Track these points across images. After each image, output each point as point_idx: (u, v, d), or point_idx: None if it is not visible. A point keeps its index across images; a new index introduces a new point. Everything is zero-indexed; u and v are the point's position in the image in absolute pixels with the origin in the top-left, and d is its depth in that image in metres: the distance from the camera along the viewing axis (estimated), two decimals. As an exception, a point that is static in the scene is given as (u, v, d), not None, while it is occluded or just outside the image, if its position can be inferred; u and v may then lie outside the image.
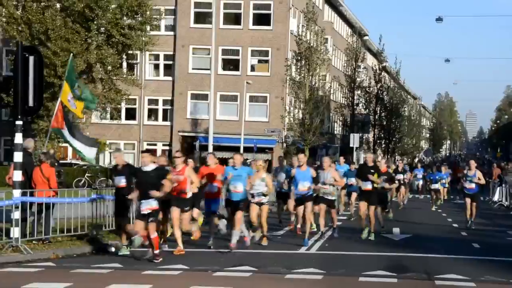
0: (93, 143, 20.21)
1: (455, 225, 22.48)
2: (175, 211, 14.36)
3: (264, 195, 15.84)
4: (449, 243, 17.24)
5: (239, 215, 14.82)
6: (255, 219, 15.89)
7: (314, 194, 16.73)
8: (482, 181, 21.77)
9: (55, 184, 15.00)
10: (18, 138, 14.03)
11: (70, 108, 19.02)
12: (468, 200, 21.43)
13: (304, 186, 16.14)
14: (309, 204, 16.40)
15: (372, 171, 17.58)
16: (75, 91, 19.03)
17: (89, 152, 19.49)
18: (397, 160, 30.65)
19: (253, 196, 15.70)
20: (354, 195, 22.98)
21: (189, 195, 14.69)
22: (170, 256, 13.92)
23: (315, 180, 16.54)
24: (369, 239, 17.36)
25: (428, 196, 34.01)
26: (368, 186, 17.59)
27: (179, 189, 14.52)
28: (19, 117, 14.08)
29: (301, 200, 16.40)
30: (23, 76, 14.07)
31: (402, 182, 28.82)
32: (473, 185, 21.23)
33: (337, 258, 14.24)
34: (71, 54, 22.31)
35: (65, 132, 18.57)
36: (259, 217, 15.98)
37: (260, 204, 15.84)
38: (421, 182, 40.59)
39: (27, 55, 14.31)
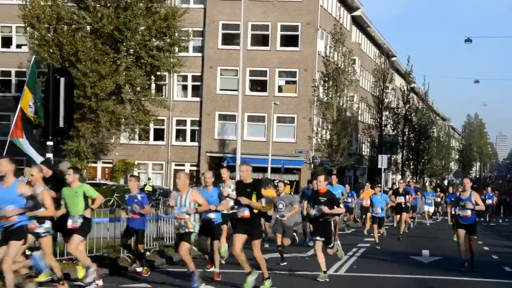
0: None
1: (485, 248, 22.18)
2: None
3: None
4: (480, 266, 17.00)
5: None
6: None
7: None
8: (480, 207, 16.30)
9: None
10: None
11: (28, 114, 17.66)
12: (462, 232, 16.18)
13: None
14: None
15: (249, 190, 12.16)
16: (37, 94, 17.56)
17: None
18: (399, 181, 28.10)
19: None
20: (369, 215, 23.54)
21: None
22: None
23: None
24: None
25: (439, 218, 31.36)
26: (245, 212, 12.26)
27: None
28: (50, 137, 14.22)
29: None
30: (54, 97, 14.27)
31: (403, 205, 25.71)
32: (469, 212, 15.86)
33: (365, 280, 14.14)
34: (34, 56, 21.17)
35: (24, 141, 17.44)
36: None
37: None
38: (431, 208, 35.60)
39: (58, 77, 14.53)
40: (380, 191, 22.52)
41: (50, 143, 14.22)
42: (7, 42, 52.01)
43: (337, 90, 46.87)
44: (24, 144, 17.14)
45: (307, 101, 47.78)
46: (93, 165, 49.53)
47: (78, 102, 38.67)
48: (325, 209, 13.52)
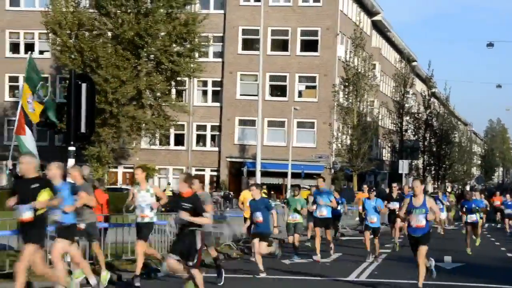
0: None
1: (509, 254, 21.95)
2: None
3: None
4: (503, 273, 16.82)
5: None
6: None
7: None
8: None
9: (106, 210, 15.15)
10: (71, 163, 14.21)
11: (27, 111, 17.40)
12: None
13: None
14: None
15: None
16: (39, 92, 17.36)
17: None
18: (393, 185, 24.62)
19: None
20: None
21: None
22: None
23: None
24: None
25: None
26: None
27: None
28: (72, 143, 14.27)
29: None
30: (76, 103, 14.31)
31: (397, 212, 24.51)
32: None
33: (386, 286, 14.03)
34: (29, 52, 20.84)
35: (25, 138, 17.24)
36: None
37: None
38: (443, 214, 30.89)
39: (79, 83, 14.56)
40: (376, 196, 19.32)
41: (72, 148, 14.26)
42: (29, 48, 52.45)
43: (357, 95, 46.79)
44: (25, 140, 16.99)
45: (327, 106, 47.67)
46: (114, 170, 49.75)
47: (99, 107, 38.86)
48: (186, 215, 10.72)
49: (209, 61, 48.79)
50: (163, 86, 43.57)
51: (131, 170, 51.37)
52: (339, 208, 26.19)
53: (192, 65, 44.58)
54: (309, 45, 49.56)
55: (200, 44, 45.01)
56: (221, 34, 50.67)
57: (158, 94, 44.10)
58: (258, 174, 31.02)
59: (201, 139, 52.39)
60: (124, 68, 41.42)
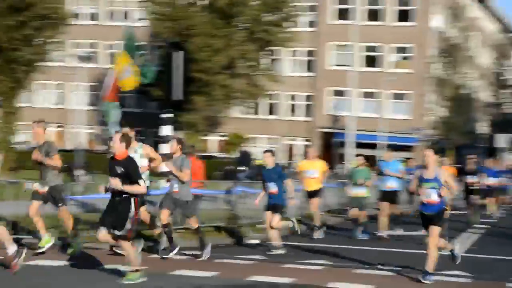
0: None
1: None
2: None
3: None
4: None
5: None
6: None
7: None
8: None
9: (201, 177, 15.32)
10: (166, 130, 14.41)
11: (121, 79, 16.76)
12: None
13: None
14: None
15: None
16: (136, 60, 16.73)
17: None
18: (468, 157, 21.46)
19: None
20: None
21: None
22: (313, 250, 13.93)
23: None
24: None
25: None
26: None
27: None
28: (167, 110, 14.45)
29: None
30: (171, 71, 14.48)
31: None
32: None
33: (485, 262, 13.63)
34: (129, 21, 20.21)
35: (116, 104, 16.73)
36: None
37: None
38: None
39: (174, 51, 14.71)
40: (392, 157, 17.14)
41: (167, 115, 14.45)
42: (125, 16, 53.50)
43: (454, 66, 45.50)
44: (113, 107, 16.60)
45: (422, 78, 46.62)
46: (204, 138, 50.40)
47: (193, 76, 39.27)
48: (117, 183, 9.41)
49: (302, 30, 48.44)
50: (255, 55, 43.63)
51: (223, 138, 51.99)
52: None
53: (285, 35, 44.38)
54: (404, 15, 48.42)
55: (293, 13, 44.68)
56: (315, 3, 50.16)
57: (250, 63, 44.21)
58: (350, 144, 30.70)
59: (292, 109, 52.30)
60: (217, 37, 41.68)
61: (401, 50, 49.02)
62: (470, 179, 20.30)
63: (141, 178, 9.55)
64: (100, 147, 50.13)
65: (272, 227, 13.45)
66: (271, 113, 51.95)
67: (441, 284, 10.86)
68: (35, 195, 11.54)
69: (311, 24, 50.70)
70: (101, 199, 12.59)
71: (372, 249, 14.44)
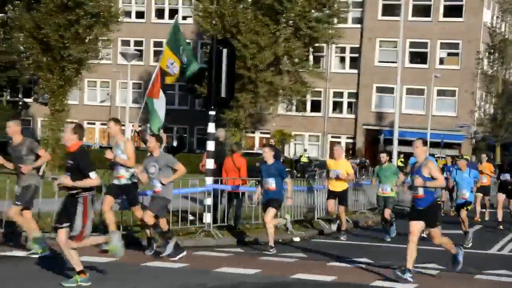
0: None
1: None
2: None
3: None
4: None
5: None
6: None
7: None
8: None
9: (245, 174, 15.41)
10: (211, 127, 14.49)
11: (166, 75, 16.11)
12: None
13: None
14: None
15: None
16: (182, 56, 16.01)
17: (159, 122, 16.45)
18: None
19: None
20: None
21: None
22: (354, 248, 13.91)
23: None
24: None
25: None
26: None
27: None
28: (212, 107, 14.54)
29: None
30: (217, 68, 14.53)
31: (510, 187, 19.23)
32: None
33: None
34: (176, 16, 19.89)
35: (157, 101, 16.07)
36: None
37: None
38: None
39: (220, 48, 14.74)
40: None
41: (212, 112, 14.55)
42: (173, 13, 54.03)
43: (503, 62, 44.82)
44: (156, 104, 16.04)
45: (470, 74, 45.95)
46: (251, 135, 50.59)
47: (238, 73, 39.48)
48: (66, 180, 8.74)
49: (348, 27, 48.22)
50: (301, 52, 43.63)
51: (267, 135, 52.09)
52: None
53: (330, 31, 44.27)
54: (453, 10, 47.75)
55: (339, 10, 44.52)
56: (361, 0, 49.86)
57: (296, 60, 44.22)
58: (396, 142, 30.45)
59: (337, 106, 52.10)
60: (263, 34, 41.79)
61: (449, 46, 48.38)
62: (502, 177, 19.16)
63: (92, 170, 8.69)
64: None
65: (268, 223, 12.84)
66: (315, 110, 51.84)
67: (486, 283, 10.76)
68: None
69: (357, 20, 50.40)
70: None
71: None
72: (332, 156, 17.27)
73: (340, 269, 11.33)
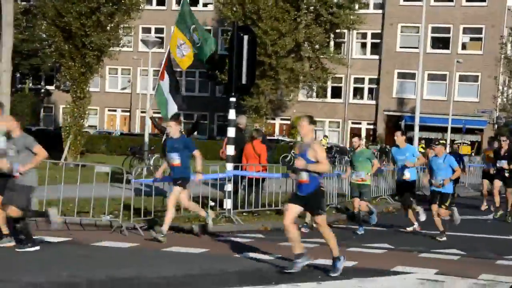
0: (179, 100, 16.54)
1: None
2: None
3: None
4: None
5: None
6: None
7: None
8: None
9: (265, 160, 15.47)
10: (232, 114, 14.53)
11: (176, 57, 15.66)
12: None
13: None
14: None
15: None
16: (193, 35, 15.20)
17: (171, 108, 16.22)
18: (502, 139, 18.08)
19: None
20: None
21: None
22: (374, 234, 13.92)
23: None
24: None
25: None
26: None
27: None
28: (233, 94, 14.56)
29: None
30: (238, 55, 14.54)
31: (507, 174, 17.71)
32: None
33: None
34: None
35: (163, 83, 15.94)
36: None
37: None
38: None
39: (241, 35, 14.72)
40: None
41: (233, 99, 14.58)
42: (194, 1, 54.02)
43: (526, 47, 44.29)
44: (163, 86, 15.91)
45: (493, 59, 45.54)
46: (271, 121, 50.60)
47: (259, 59, 39.41)
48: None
49: (369, 12, 47.93)
50: (321, 38, 43.45)
51: (287, 122, 52.08)
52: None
53: (351, 17, 44.02)
54: (475, -5, 47.30)
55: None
56: (382, -15, 49.54)
57: (317, 46, 44.06)
58: (417, 128, 30.28)
59: (358, 92, 51.91)
60: (284, 20, 41.64)
61: (472, 31, 47.95)
62: (499, 164, 17.77)
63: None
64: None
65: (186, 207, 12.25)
66: (336, 96, 51.69)
67: (507, 268, 10.72)
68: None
69: (378, 6, 50.09)
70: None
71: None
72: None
73: (361, 254, 11.36)
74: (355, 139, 14.35)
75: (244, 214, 14.61)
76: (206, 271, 9.53)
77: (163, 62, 16.24)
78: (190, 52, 15.28)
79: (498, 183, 18.07)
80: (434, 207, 13.50)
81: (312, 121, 9.88)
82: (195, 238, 12.33)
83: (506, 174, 17.65)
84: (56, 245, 10.98)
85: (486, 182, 19.63)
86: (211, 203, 14.73)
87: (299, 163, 9.39)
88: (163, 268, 9.62)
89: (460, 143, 35.53)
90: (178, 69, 54.50)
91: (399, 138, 14.37)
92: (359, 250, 11.88)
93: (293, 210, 9.52)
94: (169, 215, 11.75)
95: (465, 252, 11.95)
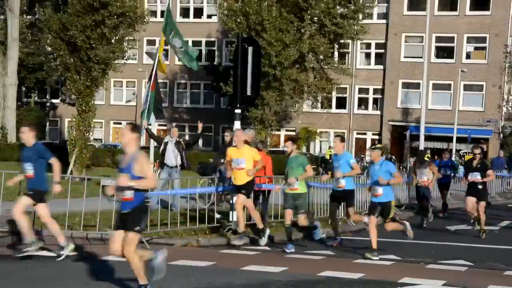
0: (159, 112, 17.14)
1: None
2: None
3: None
4: None
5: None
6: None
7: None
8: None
9: (271, 172, 15.41)
10: (237, 125, 14.53)
11: (161, 61, 15.86)
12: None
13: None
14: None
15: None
16: (173, 40, 15.06)
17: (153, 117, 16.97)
18: (475, 149, 15.86)
19: None
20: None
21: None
22: (382, 245, 13.87)
23: None
24: None
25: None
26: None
27: None
28: (238, 105, 14.55)
29: None
30: (242, 66, 14.54)
31: (479, 186, 15.73)
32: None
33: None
34: (168, 3, 19.81)
35: (152, 93, 16.26)
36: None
37: None
38: None
39: (246, 46, 14.74)
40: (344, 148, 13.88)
41: (238, 111, 14.58)
42: (199, 12, 54.18)
43: (531, 56, 44.26)
44: (150, 96, 16.19)
45: (498, 68, 45.52)
46: (276, 132, 50.60)
47: (263, 70, 39.48)
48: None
49: (373, 22, 47.98)
50: (326, 49, 43.52)
51: (293, 133, 52.06)
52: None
53: (355, 27, 44.10)
54: (480, 4, 47.28)
55: (364, 6, 44.33)
56: (386, -5, 49.59)
57: (321, 57, 44.13)
58: (422, 138, 30.27)
59: (363, 102, 51.89)
60: (288, 31, 41.75)
61: (476, 40, 47.92)
62: (471, 176, 15.75)
63: None
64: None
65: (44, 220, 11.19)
66: (340, 106, 51.68)
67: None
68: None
69: (382, 16, 50.15)
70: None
71: (441, 243, 14.27)
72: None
73: (367, 266, 11.31)
74: (288, 143, 13.00)
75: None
76: (212, 284, 9.50)
77: (153, 72, 16.46)
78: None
79: (471, 200, 15.75)
80: (372, 218, 12.48)
81: (135, 129, 8.39)
82: (198, 250, 12.30)
83: (480, 186, 15.74)
84: (63, 260, 10.95)
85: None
86: (217, 216, 14.69)
87: (122, 181, 8.12)
88: (169, 282, 9.59)
89: (466, 153, 35.45)
90: (183, 81, 54.66)
91: (337, 144, 13.59)
92: (366, 261, 11.84)
93: (118, 237, 8.31)
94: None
95: (472, 263, 11.89)
